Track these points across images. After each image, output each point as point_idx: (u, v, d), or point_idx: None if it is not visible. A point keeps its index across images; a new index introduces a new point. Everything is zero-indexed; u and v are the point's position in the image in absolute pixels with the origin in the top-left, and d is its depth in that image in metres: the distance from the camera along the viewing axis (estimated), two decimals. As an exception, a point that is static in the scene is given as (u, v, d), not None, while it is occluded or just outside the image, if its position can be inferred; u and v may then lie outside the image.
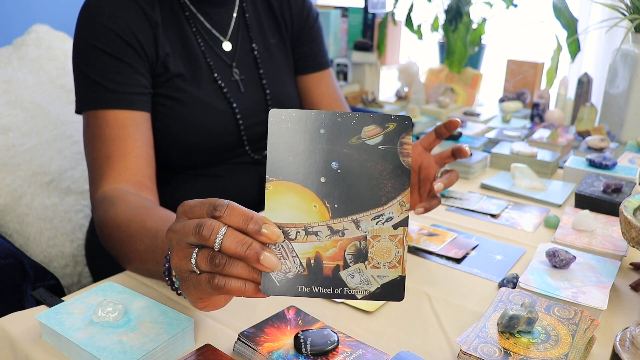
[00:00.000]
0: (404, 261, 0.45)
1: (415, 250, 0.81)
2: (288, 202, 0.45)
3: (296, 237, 0.45)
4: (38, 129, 1.20)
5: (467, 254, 0.81)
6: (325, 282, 0.45)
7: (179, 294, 0.57)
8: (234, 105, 0.94)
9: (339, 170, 0.45)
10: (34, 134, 1.19)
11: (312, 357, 0.55)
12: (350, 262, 0.45)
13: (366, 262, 0.45)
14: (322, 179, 0.45)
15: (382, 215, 0.45)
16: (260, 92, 0.99)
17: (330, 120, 0.45)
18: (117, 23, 0.83)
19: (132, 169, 0.81)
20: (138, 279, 0.72)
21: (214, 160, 0.96)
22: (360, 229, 0.45)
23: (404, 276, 0.45)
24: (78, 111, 0.86)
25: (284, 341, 0.57)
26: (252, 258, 0.44)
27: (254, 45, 1.00)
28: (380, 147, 0.45)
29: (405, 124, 0.45)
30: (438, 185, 0.77)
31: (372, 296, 0.45)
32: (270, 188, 0.45)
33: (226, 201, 0.46)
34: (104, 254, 0.98)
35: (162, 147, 0.91)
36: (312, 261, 0.45)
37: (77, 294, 0.65)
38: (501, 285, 0.71)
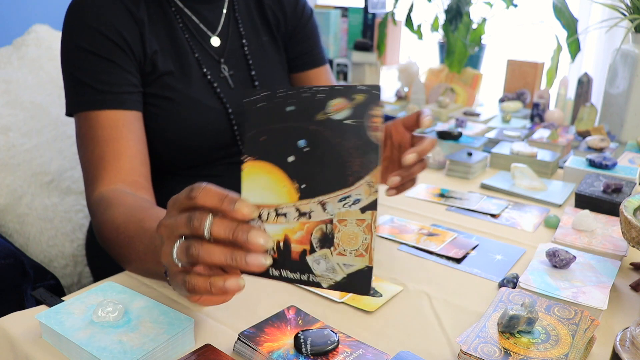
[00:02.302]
0: (372, 250, 0.42)
1: (415, 250, 0.81)
2: (261, 182, 0.44)
3: (267, 218, 0.44)
4: (38, 129, 1.20)
5: (467, 253, 0.81)
6: (293, 266, 0.44)
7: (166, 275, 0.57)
8: (224, 100, 0.93)
9: (306, 149, 0.43)
10: (34, 134, 1.19)
11: (312, 357, 0.55)
12: (316, 247, 0.43)
13: (332, 248, 0.43)
14: (291, 158, 0.44)
15: (349, 197, 0.42)
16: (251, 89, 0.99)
17: (297, 97, 0.43)
18: (102, 23, 0.83)
19: (126, 169, 0.81)
20: (138, 279, 0.72)
21: (208, 160, 0.96)
22: (326, 211, 0.43)
23: (371, 267, 0.42)
24: (69, 114, 0.86)
25: (284, 341, 0.57)
26: (241, 238, 0.44)
27: (244, 41, 0.99)
28: (346, 121, 0.42)
29: (373, 94, 0.42)
30: (391, 180, 0.75)
31: (337, 286, 0.43)
32: (245, 169, 0.44)
33: (204, 183, 0.47)
34: (104, 254, 0.98)
35: (156, 148, 0.90)
36: (281, 244, 0.44)
37: (77, 293, 0.65)
38: (501, 285, 0.71)
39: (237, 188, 1.08)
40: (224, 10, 0.98)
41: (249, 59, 0.99)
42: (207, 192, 0.46)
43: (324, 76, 1.10)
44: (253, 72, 0.99)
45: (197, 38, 0.94)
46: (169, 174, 0.95)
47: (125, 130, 0.82)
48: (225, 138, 0.95)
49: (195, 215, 0.46)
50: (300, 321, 0.61)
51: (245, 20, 1.01)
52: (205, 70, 0.93)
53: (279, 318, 0.61)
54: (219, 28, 0.97)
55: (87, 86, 0.82)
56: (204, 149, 0.93)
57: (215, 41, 0.96)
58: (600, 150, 1.18)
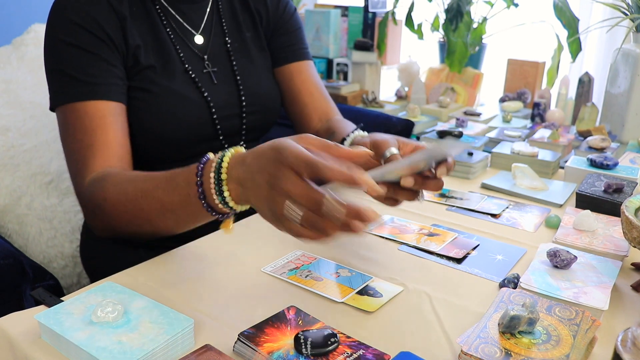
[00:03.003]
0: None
1: (415, 250, 0.81)
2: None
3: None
4: (37, 129, 1.19)
5: (468, 254, 0.80)
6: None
7: (202, 201, 0.65)
8: (206, 94, 0.94)
9: None
10: (34, 134, 1.19)
11: (312, 358, 0.54)
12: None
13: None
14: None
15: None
16: (234, 85, 0.99)
17: None
18: (83, 17, 0.84)
19: (117, 157, 0.82)
20: (138, 278, 0.72)
21: (190, 154, 0.95)
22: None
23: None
24: (52, 108, 0.86)
25: (284, 341, 0.57)
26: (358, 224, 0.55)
27: (227, 39, 1.00)
28: None
29: None
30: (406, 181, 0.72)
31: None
32: None
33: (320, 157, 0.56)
34: (100, 255, 0.98)
35: (138, 142, 0.91)
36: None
37: (77, 294, 0.65)
38: (502, 285, 0.71)
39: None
40: (208, 9, 0.99)
41: (232, 56, 1.00)
42: (331, 169, 0.54)
43: (307, 70, 1.10)
44: (235, 69, 1.00)
45: (181, 36, 0.95)
46: (150, 170, 0.95)
47: (113, 120, 0.84)
48: (207, 131, 0.95)
49: (328, 203, 0.54)
50: (300, 321, 0.61)
51: (228, 18, 1.02)
52: (187, 66, 0.94)
53: (279, 318, 0.61)
54: (202, 26, 0.98)
55: (73, 79, 0.83)
56: (185, 142, 0.94)
57: (199, 39, 0.97)
58: (601, 150, 1.18)
